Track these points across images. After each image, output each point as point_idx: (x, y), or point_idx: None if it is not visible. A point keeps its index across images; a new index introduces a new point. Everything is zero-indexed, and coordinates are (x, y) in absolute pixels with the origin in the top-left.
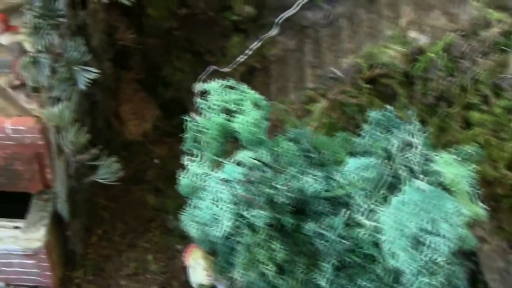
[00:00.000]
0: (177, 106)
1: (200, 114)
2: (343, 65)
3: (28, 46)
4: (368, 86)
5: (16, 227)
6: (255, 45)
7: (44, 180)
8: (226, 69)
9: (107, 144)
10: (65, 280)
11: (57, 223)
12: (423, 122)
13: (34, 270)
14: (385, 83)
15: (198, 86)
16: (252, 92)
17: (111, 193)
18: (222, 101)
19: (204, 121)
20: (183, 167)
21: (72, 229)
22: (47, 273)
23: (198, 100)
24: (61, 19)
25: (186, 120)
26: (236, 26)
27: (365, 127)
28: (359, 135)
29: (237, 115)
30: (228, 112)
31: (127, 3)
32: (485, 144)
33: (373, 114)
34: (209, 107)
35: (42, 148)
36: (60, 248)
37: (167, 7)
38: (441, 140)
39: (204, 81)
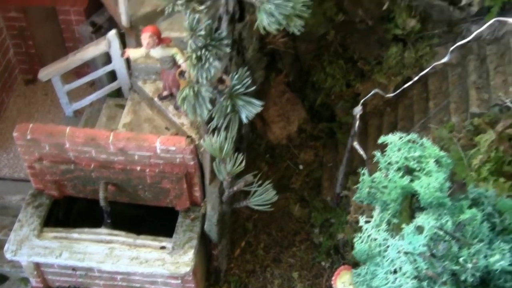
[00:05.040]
0: (325, 111)
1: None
2: None
3: (179, 60)
4: None
5: (163, 247)
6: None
7: (192, 198)
8: (389, 95)
9: (250, 147)
10: None
11: (203, 242)
12: None
13: None
14: None
15: (358, 109)
16: (434, 148)
17: None
18: (403, 159)
19: (382, 179)
20: (328, 176)
21: (218, 248)
22: None
23: (357, 124)
24: (226, 48)
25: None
26: (395, 35)
27: None
28: None
29: (419, 175)
30: (408, 170)
31: (296, 32)
32: None
33: None
34: (389, 163)
35: (192, 168)
36: (204, 266)
37: (324, 13)
38: None
39: (365, 104)
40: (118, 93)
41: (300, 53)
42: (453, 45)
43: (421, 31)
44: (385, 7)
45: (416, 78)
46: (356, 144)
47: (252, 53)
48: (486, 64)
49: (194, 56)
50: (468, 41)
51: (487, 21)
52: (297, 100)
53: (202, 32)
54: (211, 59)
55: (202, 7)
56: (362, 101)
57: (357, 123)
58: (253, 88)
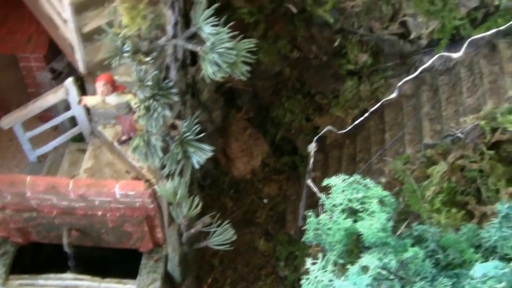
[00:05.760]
0: (287, 145)
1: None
2: (463, 124)
3: (135, 106)
4: (490, 152)
5: None
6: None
7: (154, 239)
8: (341, 132)
9: (214, 183)
10: None
11: (167, 283)
12: None
13: None
14: (509, 149)
15: (312, 146)
16: (378, 188)
17: None
18: (347, 200)
19: (327, 221)
20: (292, 209)
21: None
22: None
23: (312, 161)
24: (174, 97)
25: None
26: (349, 70)
27: (493, 220)
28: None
29: (362, 216)
30: (352, 211)
31: (243, 78)
32: None
33: (500, 207)
34: (333, 205)
35: (152, 210)
36: None
37: (278, 51)
38: None
39: (319, 140)
40: (81, 138)
41: (258, 90)
42: (406, 77)
43: (374, 65)
44: (336, 43)
45: (366, 114)
46: (310, 182)
47: (208, 95)
48: (438, 95)
49: (142, 106)
50: (421, 72)
51: (438, 53)
52: (259, 135)
53: (150, 83)
54: (159, 109)
55: (148, 59)
56: (315, 138)
57: (312, 160)
58: (212, 127)
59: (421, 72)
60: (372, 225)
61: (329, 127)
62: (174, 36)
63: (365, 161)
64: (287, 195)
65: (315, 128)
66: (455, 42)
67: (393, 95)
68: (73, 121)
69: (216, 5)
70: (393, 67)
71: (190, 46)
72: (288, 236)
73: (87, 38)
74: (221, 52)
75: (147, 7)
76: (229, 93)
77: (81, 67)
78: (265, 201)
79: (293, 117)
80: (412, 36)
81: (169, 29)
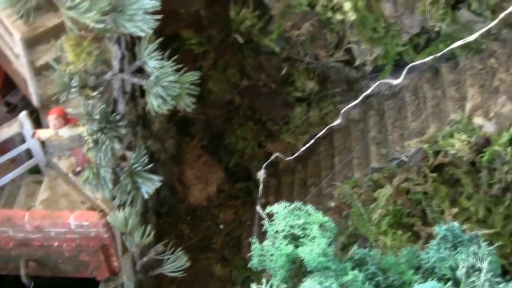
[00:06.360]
0: (241, 171)
1: None
2: (408, 148)
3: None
4: (433, 174)
5: None
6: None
7: (111, 268)
8: (288, 158)
9: (171, 211)
10: None
11: None
12: (489, 210)
13: None
14: (451, 172)
15: (261, 173)
16: (318, 214)
17: None
18: (288, 227)
19: (270, 248)
20: (247, 234)
21: None
22: None
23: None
24: (122, 130)
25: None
26: (298, 97)
27: (432, 242)
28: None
29: (303, 242)
30: (294, 236)
31: (188, 110)
32: None
33: (438, 229)
34: (276, 232)
35: (107, 240)
36: None
37: (228, 80)
38: (507, 229)
39: (272, 166)
40: (37, 169)
41: (210, 118)
42: (353, 102)
43: (321, 91)
44: (283, 71)
45: (312, 141)
46: (259, 208)
47: (160, 125)
48: (384, 119)
49: (90, 139)
50: (368, 96)
51: (382, 79)
52: (214, 162)
53: (97, 117)
54: (107, 142)
55: (95, 93)
56: (264, 165)
57: (261, 186)
58: (166, 156)
59: (368, 97)
60: (312, 250)
61: (277, 154)
62: (121, 70)
63: (316, 185)
64: (242, 220)
65: (267, 154)
66: (400, 67)
67: (338, 121)
68: (29, 153)
69: (160, 39)
70: (341, 93)
71: (135, 80)
72: (244, 261)
73: (40, 72)
74: (165, 86)
75: (91, 44)
76: (182, 121)
77: (35, 100)
78: (221, 226)
79: (246, 143)
80: (357, 62)
81: (115, 64)
